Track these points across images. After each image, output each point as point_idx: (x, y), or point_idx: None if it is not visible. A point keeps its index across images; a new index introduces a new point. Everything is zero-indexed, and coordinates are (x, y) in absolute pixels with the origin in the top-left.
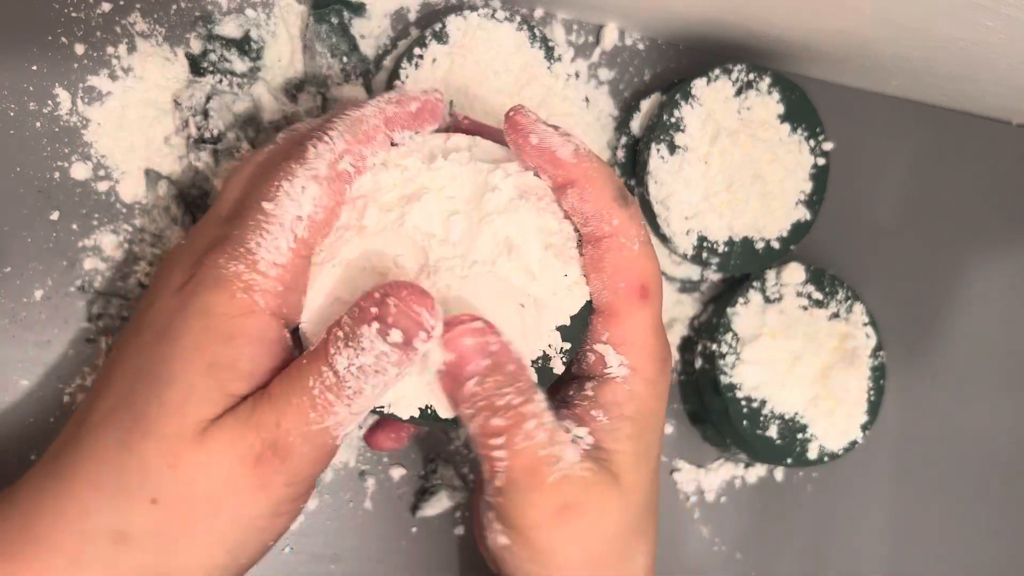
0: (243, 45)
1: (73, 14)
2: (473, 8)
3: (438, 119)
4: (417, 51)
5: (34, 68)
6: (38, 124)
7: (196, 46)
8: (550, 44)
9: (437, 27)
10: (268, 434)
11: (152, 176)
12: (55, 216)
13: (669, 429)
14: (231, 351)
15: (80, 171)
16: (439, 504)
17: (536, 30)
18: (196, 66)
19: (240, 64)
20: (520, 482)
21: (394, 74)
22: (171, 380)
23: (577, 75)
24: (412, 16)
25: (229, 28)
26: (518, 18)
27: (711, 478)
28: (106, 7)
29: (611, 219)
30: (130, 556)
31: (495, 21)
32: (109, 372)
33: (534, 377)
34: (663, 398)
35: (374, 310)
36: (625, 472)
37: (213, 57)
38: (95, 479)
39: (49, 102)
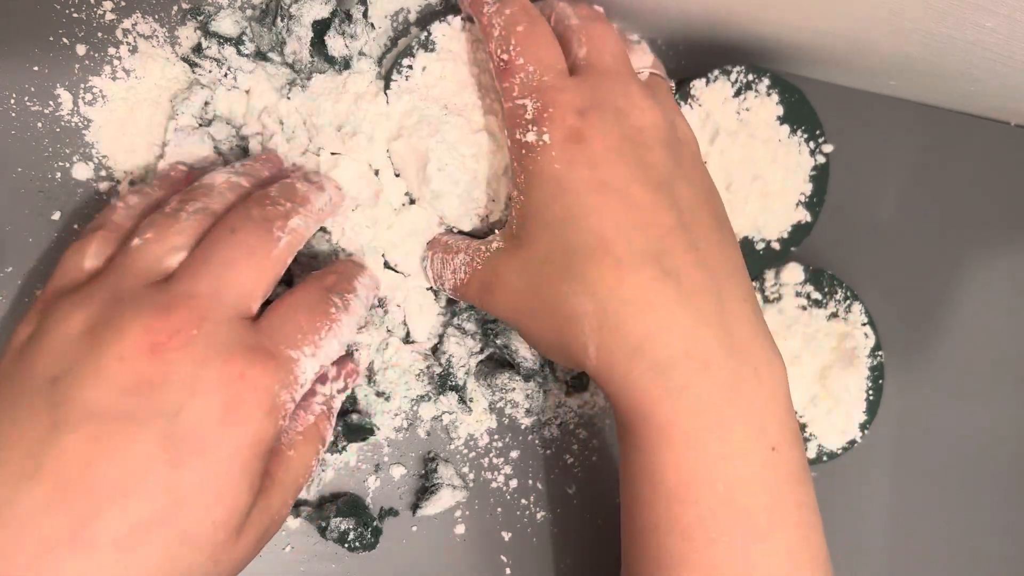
0: (242, 44)
1: (75, 15)
2: (458, 12)
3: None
4: (406, 62)
5: (35, 69)
6: (39, 124)
7: (196, 46)
8: None
9: (423, 36)
10: (274, 512)
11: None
12: (56, 216)
13: None
14: (262, 465)
15: (81, 171)
16: (439, 503)
17: None
18: (196, 66)
19: (240, 63)
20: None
21: (386, 87)
22: (220, 499)
23: None
24: (412, 17)
25: (228, 27)
26: None
27: None
28: (107, 8)
29: (481, 18)
30: None
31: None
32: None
33: None
34: (569, 158)
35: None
36: (519, 232)
37: (213, 56)
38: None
39: (51, 103)
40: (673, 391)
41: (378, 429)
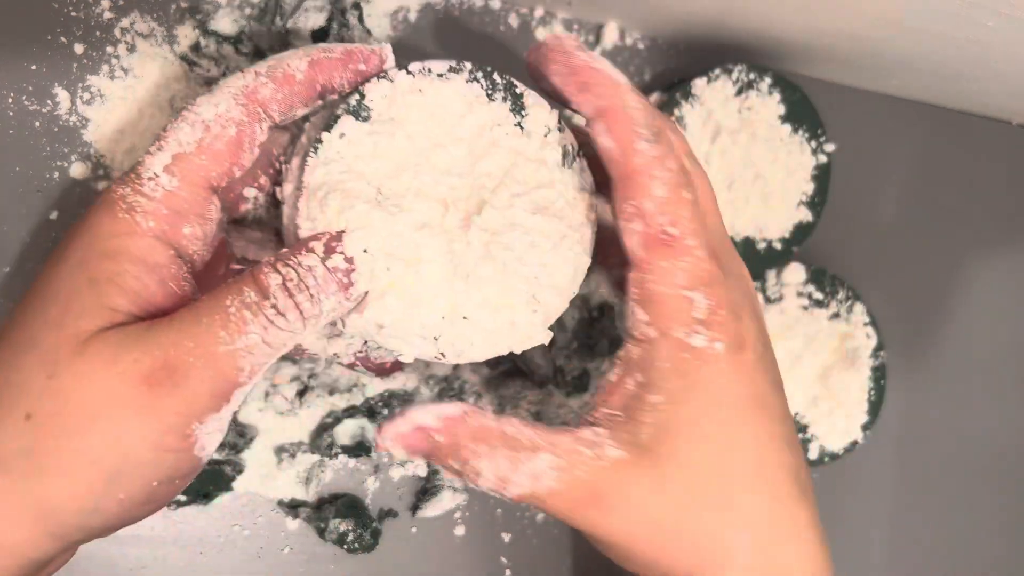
0: (241, 43)
1: (72, 14)
2: (400, 67)
3: (375, 68)
4: (325, 136)
5: (33, 67)
6: (37, 124)
7: (195, 44)
8: (517, 91)
9: (353, 100)
10: (161, 352)
11: None
12: (54, 216)
13: None
14: (111, 267)
15: (79, 171)
16: (439, 504)
17: (497, 77)
18: (194, 65)
19: (239, 62)
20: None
21: (300, 169)
22: (54, 296)
23: (560, 127)
24: (413, 16)
25: (226, 26)
26: (467, 68)
27: None
28: (105, 6)
29: (632, 156)
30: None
31: (435, 78)
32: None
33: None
34: (701, 368)
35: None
36: (656, 445)
37: (211, 55)
38: None
39: (48, 102)
40: None
41: (375, 449)
